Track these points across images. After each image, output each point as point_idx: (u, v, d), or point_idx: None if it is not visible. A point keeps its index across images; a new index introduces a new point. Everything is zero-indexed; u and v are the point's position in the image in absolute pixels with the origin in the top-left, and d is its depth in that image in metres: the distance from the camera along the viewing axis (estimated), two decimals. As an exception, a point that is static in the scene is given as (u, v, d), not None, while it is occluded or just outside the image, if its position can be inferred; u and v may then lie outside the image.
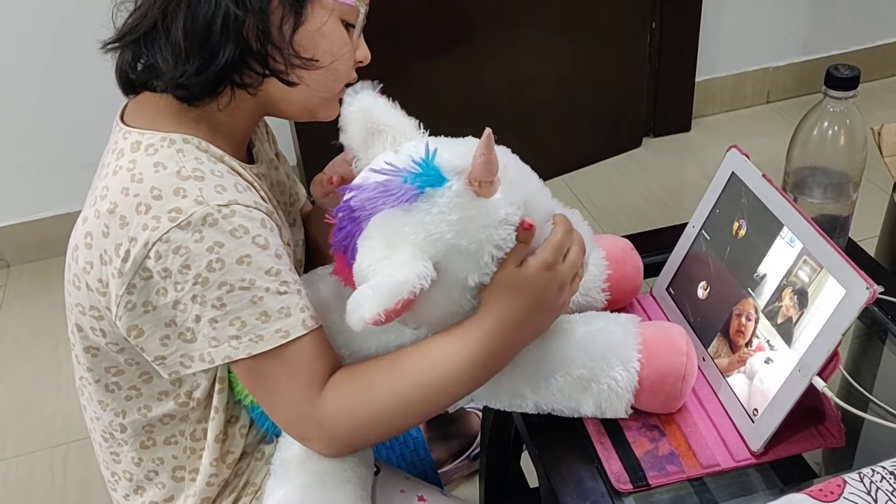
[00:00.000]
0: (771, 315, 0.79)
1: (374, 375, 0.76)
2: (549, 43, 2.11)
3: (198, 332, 0.74)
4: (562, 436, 0.81)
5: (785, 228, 0.80)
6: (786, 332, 0.77)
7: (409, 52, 1.91)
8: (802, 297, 0.76)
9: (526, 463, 1.13)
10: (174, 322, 0.74)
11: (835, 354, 0.73)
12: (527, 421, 0.82)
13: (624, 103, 2.34)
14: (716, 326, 0.85)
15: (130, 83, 0.82)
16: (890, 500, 0.64)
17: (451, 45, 2.01)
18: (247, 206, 0.74)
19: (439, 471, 1.34)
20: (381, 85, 0.79)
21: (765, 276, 0.81)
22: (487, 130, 0.67)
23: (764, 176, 0.84)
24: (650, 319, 0.93)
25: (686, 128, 2.46)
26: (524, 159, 0.76)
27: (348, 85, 0.82)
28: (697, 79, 2.41)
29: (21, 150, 2.03)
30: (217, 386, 0.82)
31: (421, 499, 0.91)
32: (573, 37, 2.15)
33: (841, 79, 0.90)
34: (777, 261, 0.80)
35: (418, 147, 0.72)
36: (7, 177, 2.06)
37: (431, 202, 0.68)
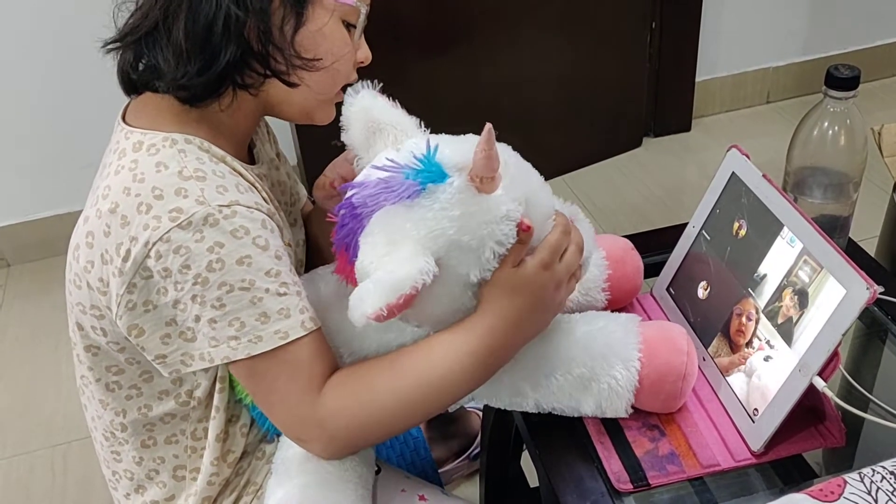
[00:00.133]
0: (771, 315, 0.79)
1: (375, 375, 0.76)
2: (550, 43, 2.11)
3: (197, 332, 0.74)
4: (562, 435, 0.81)
5: (785, 228, 0.80)
6: (786, 332, 0.77)
7: (409, 52, 1.91)
8: (803, 297, 0.76)
9: (526, 463, 1.13)
10: (174, 321, 0.74)
11: (835, 354, 0.73)
12: (527, 420, 0.83)
13: (624, 103, 2.34)
14: (716, 326, 0.85)
15: (132, 83, 0.82)
16: (890, 500, 0.64)
17: (451, 45, 2.01)
18: (248, 207, 0.74)
19: (440, 470, 1.34)
20: (382, 84, 0.79)
21: (765, 276, 0.81)
22: (488, 126, 0.67)
23: (764, 176, 0.84)
24: (650, 319, 0.93)
25: (686, 128, 2.46)
26: (524, 159, 0.77)
27: (348, 86, 0.82)
28: (697, 79, 2.41)
29: (21, 150, 2.03)
30: (218, 385, 0.82)
31: (422, 498, 0.91)
32: (573, 37, 2.15)
33: (841, 79, 0.90)
34: (777, 261, 0.80)
35: (419, 144, 0.72)
36: (7, 177, 2.06)
37: (433, 198, 0.69)
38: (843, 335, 0.71)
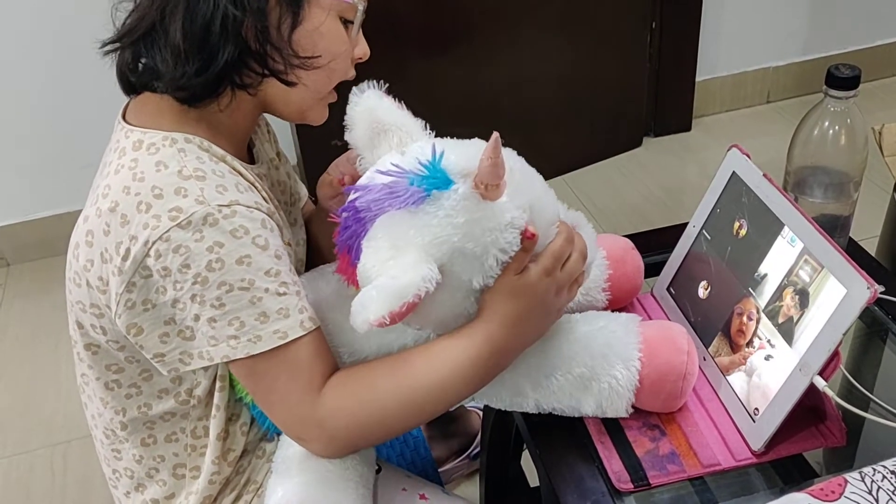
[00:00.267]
0: (772, 315, 0.79)
1: (376, 376, 0.76)
2: (550, 43, 2.11)
3: (197, 331, 0.74)
4: (562, 435, 0.81)
5: (786, 228, 0.80)
6: (787, 331, 0.77)
7: (409, 51, 1.91)
8: (803, 297, 0.76)
9: (527, 462, 1.13)
10: (173, 320, 0.74)
11: (835, 354, 0.73)
12: (527, 420, 0.83)
13: (624, 103, 2.34)
14: (716, 326, 0.85)
15: (131, 84, 0.82)
16: (891, 499, 0.64)
17: (451, 44, 2.01)
18: (248, 207, 0.74)
19: (440, 469, 1.34)
20: (387, 85, 0.79)
21: (766, 275, 0.81)
22: (495, 134, 0.67)
23: (765, 175, 0.84)
24: (651, 319, 0.93)
25: (686, 128, 2.46)
26: (524, 159, 0.76)
27: (347, 83, 0.82)
28: (698, 79, 2.41)
29: (21, 150, 2.03)
30: (218, 384, 0.82)
31: (423, 497, 0.91)
32: (573, 37, 2.14)
33: (842, 78, 0.90)
34: (778, 260, 0.80)
35: (424, 149, 0.72)
36: (7, 177, 2.06)
37: (437, 205, 0.68)
38: (844, 335, 0.71)
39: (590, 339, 0.79)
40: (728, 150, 0.90)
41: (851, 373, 0.83)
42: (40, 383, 1.77)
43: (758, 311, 0.80)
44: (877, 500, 0.64)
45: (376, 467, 0.87)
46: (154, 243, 0.71)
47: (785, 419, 0.74)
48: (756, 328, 0.80)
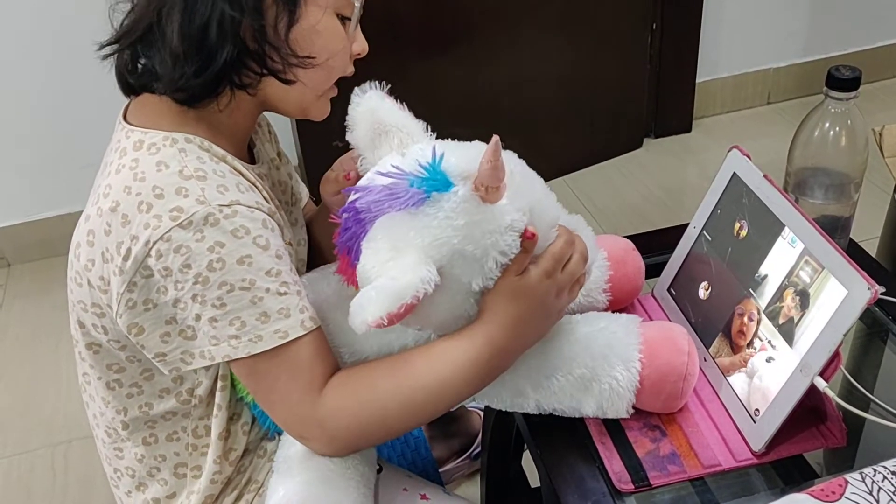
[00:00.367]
0: (772, 315, 0.79)
1: (377, 376, 0.76)
2: (550, 43, 2.11)
3: (198, 331, 0.74)
4: (563, 436, 0.81)
5: (786, 229, 0.80)
6: (787, 332, 0.77)
7: (409, 51, 1.91)
8: (804, 298, 0.76)
9: (527, 463, 1.13)
10: (174, 320, 0.74)
11: (836, 355, 0.73)
12: (528, 421, 0.83)
13: (624, 104, 2.34)
14: (717, 327, 0.85)
15: (130, 86, 0.82)
16: (892, 500, 0.64)
17: (451, 45, 2.01)
18: (249, 207, 0.74)
19: (440, 470, 1.34)
20: (389, 86, 0.79)
21: (766, 276, 0.81)
22: (495, 138, 0.67)
23: (765, 176, 0.84)
24: (652, 320, 0.93)
25: (687, 129, 2.46)
26: (524, 160, 0.76)
27: (349, 83, 0.82)
28: (698, 80, 2.41)
29: (21, 150, 2.03)
30: (219, 383, 0.82)
31: (424, 497, 0.91)
32: (573, 37, 2.14)
33: (842, 80, 0.90)
34: (778, 261, 0.80)
35: (425, 150, 0.72)
36: (7, 177, 2.06)
37: (437, 207, 0.68)
38: (845, 335, 0.71)
39: (590, 340, 0.79)
40: (729, 151, 0.90)
41: (852, 373, 0.83)
42: (41, 383, 1.77)
43: (758, 312, 0.81)
44: (877, 501, 0.64)
45: (377, 467, 0.87)
46: (155, 243, 0.71)
47: (785, 420, 0.74)
48: (757, 329, 0.80)
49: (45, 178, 2.08)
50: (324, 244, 1.00)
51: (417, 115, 0.79)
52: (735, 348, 0.82)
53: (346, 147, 0.83)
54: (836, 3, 2.44)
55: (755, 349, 0.80)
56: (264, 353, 0.73)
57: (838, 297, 0.72)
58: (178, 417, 0.84)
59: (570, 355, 0.78)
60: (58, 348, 1.84)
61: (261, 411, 0.83)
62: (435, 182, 0.69)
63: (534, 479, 1.17)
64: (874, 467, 0.67)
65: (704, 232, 0.91)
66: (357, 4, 0.81)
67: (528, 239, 0.71)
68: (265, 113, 0.92)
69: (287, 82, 0.79)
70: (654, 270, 0.97)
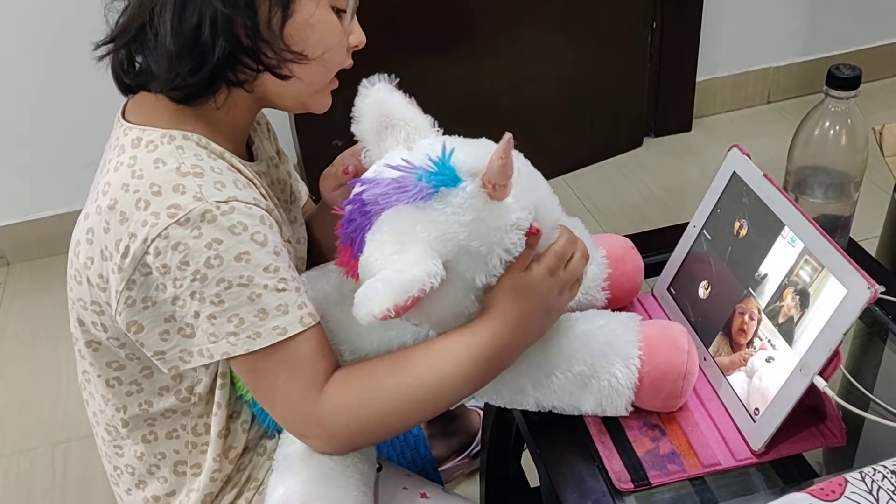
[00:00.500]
0: (772, 315, 0.79)
1: (378, 374, 0.76)
2: (550, 43, 2.11)
3: (196, 328, 0.74)
4: (563, 434, 0.81)
5: (786, 228, 0.80)
6: (787, 331, 0.77)
7: (409, 51, 1.91)
8: (804, 297, 0.76)
9: (527, 463, 1.13)
10: (173, 317, 0.74)
11: (836, 354, 0.73)
12: (528, 419, 0.83)
13: (624, 103, 2.34)
14: (717, 326, 0.85)
15: (126, 85, 0.81)
16: (892, 499, 0.64)
17: (451, 44, 2.01)
18: (246, 203, 0.74)
19: (440, 469, 1.34)
20: (398, 79, 0.79)
21: (766, 275, 0.81)
22: (508, 135, 0.68)
23: (765, 176, 0.84)
24: (651, 319, 0.93)
25: (687, 128, 2.46)
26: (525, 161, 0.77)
27: (353, 76, 0.82)
28: (698, 79, 2.41)
29: (21, 149, 2.03)
30: (219, 381, 0.82)
31: (424, 496, 0.91)
32: (574, 37, 2.14)
33: (842, 79, 0.90)
34: (778, 260, 0.80)
35: (434, 145, 0.72)
36: (7, 176, 2.06)
37: (445, 202, 0.69)
38: (844, 335, 0.71)
39: (590, 338, 0.79)
40: (728, 151, 0.90)
41: (851, 373, 0.83)
42: (40, 382, 1.77)
43: (758, 312, 0.80)
44: (877, 500, 0.64)
45: (377, 465, 0.87)
46: (153, 241, 0.71)
47: (785, 419, 0.74)
48: (757, 328, 0.80)
49: (45, 177, 2.08)
50: (323, 242, 1.00)
51: (418, 115, 0.79)
52: (735, 347, 0.82)
53: (346, 146, 0.83)
54: (836, 2, 2.44)
55: (755, 348, 0.80)
56: (263, 350, 0.73)
57: (838, 296, 0.72)
58: (178, 415, 0.84)
59: (570, 352, 0.78)
60: (57, 347, 1.84)
61: (260, 409, 0.83)
62: (444, 177, 0.69)
63: (533, 479, 1.17)
64: (874, 466, 0.67)
65: (704, 231, 0.91)
66: None
67: (532, 235, 0.72)
68: (264, 111, 0.92)
69: (283, 77, 0.78)
70: (653, 269, 0.97)
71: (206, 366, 0.79)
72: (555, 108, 2.21)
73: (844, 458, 0.80)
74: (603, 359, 0.77)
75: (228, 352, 0.73)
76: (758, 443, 0.76)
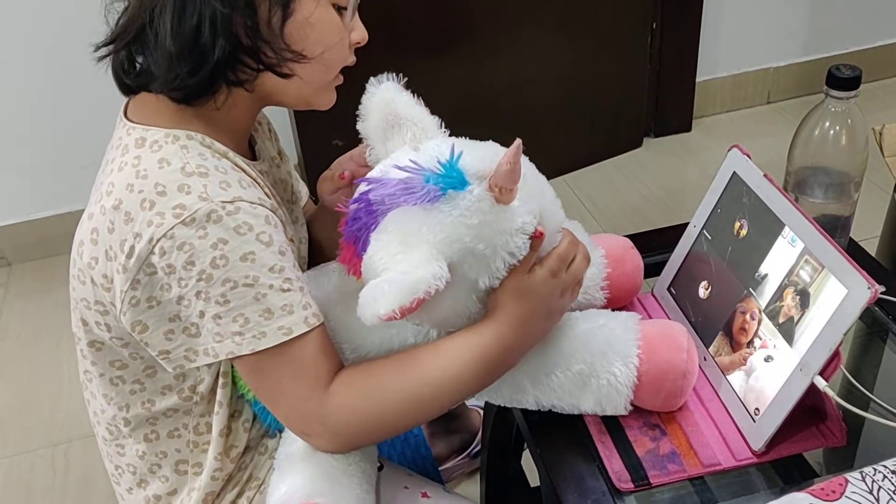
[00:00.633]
0: (772, 315, 0.79)
1: (384, 373, 0.77)
2: (550, 43, 2.11)
3: (202, 328, 0.74)
4: (563, 434, 0.81)
5: (786, 228, 0.80)
6: (787, 331, 0.77)
7: (409, 51, 1.91)
8: (804, 297, 0.76)
9: (527, 463, 1.13)
10: (178, 317, 0.74)
11: (836, 354, 0.73)
12: (528, 419, 0.83)
13: (624, 103, 2.34)
14: (717, 326, 0.85)
15: (127, 86, 0.81)
16: (892, 499, 0.64)
17: (451, 44, 2.01)
18: (251, 203, 0.74)
19: (440, 468, 1.34)
20: (406, 79, 0.79)
21: (766, 275, 0.81)
22: (518, 141, 0.68)
23: (765, 176, 0.84)
24: (652, 318, 0.93)
25: (687, 128, 2.46)
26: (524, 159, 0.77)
27: (358, 78, 0.82)
28: (698, 79, 2.41)
29: (21, 149, 2.03)
30: (221, 380, 0.82)
31: (425, 495, 0.91)
32: (574, 37, 2.14)
33: (842, 79, 0.90)
34: (778, 260, 0.80)
35: (441, 147, 0.72)
36: (7, 176, 2.06)
37: (453, 204, 0.69)
38: (845, 335, 0.71)
39: (589, 337, 0.79)
40: (729, 151, 0.90)
41: (852, 373, 0.83)
42: (41, 382, 1.77)
43: (759, 311, 0.81)
44: (878, 500, 0.64)
45: (378, 464, 0.88)
46: (158, 241, 0.71)
47: (785, 419, 0.74)
48: (757, 328, 0.80)
49: (46, 177, 2.08)
50: (324, 243, 1.00)
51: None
52: (735, 346, 0.82)
53: (347, 145, 0.83)
54: (836, 2, 2.44)
55: (755, 348, 0.80)
56: (268, 350, 0.73)
57: (838, 296, 0.72)
58: (180, 414, 0.85)
59: (570, 351, 0.78)
60: (59, 347, 1.84)
61: (262, 408, 0.84)
62: (451, 180, 0.69)
63: (533, 479, 1.17)
64: (874, 466, 0.67)
65: (704, 231, 0.91)
66: None
67: (536, 238, 0.73)
68: (265, 112, 0.92)
69: (284, 76, 0.78)
70: (654, 269, 0.97)
71: (209, 365, 0.80)
72: (555, 108, 2.21)
73: (845, 458, 0.81)
74: (602, 358, 0.78)
75: (234, 351, 0.74)
76: (758, 443, 0.76)
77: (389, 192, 0.70)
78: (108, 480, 0.93)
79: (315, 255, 1.00)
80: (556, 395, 0.79)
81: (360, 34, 0.83)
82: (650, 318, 0.93)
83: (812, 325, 0.74)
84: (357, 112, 0.81)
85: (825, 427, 0.79)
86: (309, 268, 0.92)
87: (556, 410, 0.80)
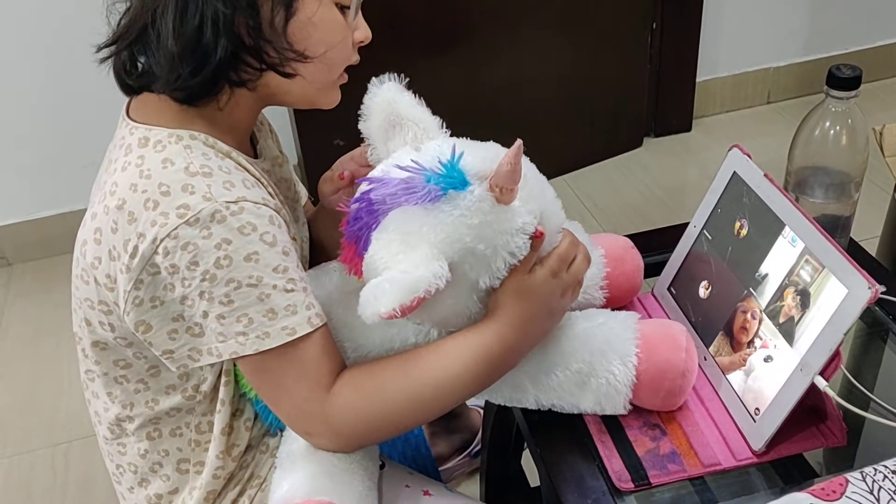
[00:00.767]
0: (773, 314, 0.79)
1: (386, 373, 0.77)
2: (550, 43, 2.11)
3: (206, 328, 0.74)
4: (563, 434, 0.81)
5: (787, 228, 0.80)
6: (787, 331, 0.77)
7: (409, 51, 1.91)
8: (804, 297, 0.76)
9: (527, 463, 1.13)
10: (182, 317, 0.75)
11: (836, 354, 0.73)
12: (528, 419, 0.83)
13: (624, 103, 2.34)
14: (717, 326, 0.85)
15: (129, 87, 0.81)
16: (892, 499, 0.64)
17: (452, 44, 2.01)
18: (255, 203, 0.74)
19: (440, 468, 1.34)
20: (407, 79, 0.79)
21: (767, 275, 0.81)
22: (519, 142, 0.69)
23: (766, 175, 0.84)
24: (652, 318, 0.93)
25: (687, 128, 2.46)
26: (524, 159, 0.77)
27: (360, 80, 0.82)
28: (698, 79, 2.41)
29: (21, 149, 2.03)
30: (223, 379, 0.82)
31: (426, 493, 0.91)
32: (574, 37, 2.15)
33: (843, 79, 0.90)
34: (779, 260, 0.80)
35: (443, 147, 0.72)
36: (7, 176, 2.06)
37: (454, 204, 0.69)
38: (845, 335, 0.71)
39: (588, 336, 0.79)
40: (729, 150, 0.90)
41: (852, 373, 0.83)
42: (42, 383, 1.77)
43: (759, 311, 0.81)
44: (878, 500, 0.64)
45: (380, 463, 0.88)
46: (162, 241, 0.71)
47: (786, 419, 0.74)
48: (758, 328, 0.80)
49: (46, 176, 2.08)
50: (325, 243, 1.00)
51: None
52: (736, 346, 0.82)
53: (348, 145, 0.83)
54: (836, 2, 2.44)
55: (755, 348, 0.80)
56: (272, 350, 0.73)
57: (839, 296, 0.72)
58: (182, 413, 0.85)
59: (569, 351, 0.79)
60: (59, 348, 1.84)
61: (263, 407, 0.84)
62: (452, 180, 0.69)
63: (533, 479, 1.17)
64: (875, 466, 0.67)
65: (705, 231, 0.91)
66: None
67: (536, 238, 0.73)
68: (265, 112, 0.92)
69: (287, 76, 0.78)
70: (654, 269, 0.97)
71: (212, 364, 0.80)
72: (555, 108, 2.21)
73: (845, 458, 0.81)
74: (601, 357, 0.78)
75: (237, 351, 0.74)
76: (758, 442, 0.76)
77: (391, 192, 0.71)
78: (108, 480, 0.93)
79: (315, 254, 1.00)
80: (555, 394, 0.79)
81: (363, 33, 0.83)
82: (650, 317, 0.93)
83: (812, 325, 0.74)
84: (357, 112, 0.82)
85: (825, 427, 0.79)
86: (309, 267, 0.92)
87: (555, 410, 0.81)
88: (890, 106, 2.42)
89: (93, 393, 0.88)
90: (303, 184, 1.05)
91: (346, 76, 0.84)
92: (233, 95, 0.79)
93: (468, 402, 1.41)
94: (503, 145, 0.73)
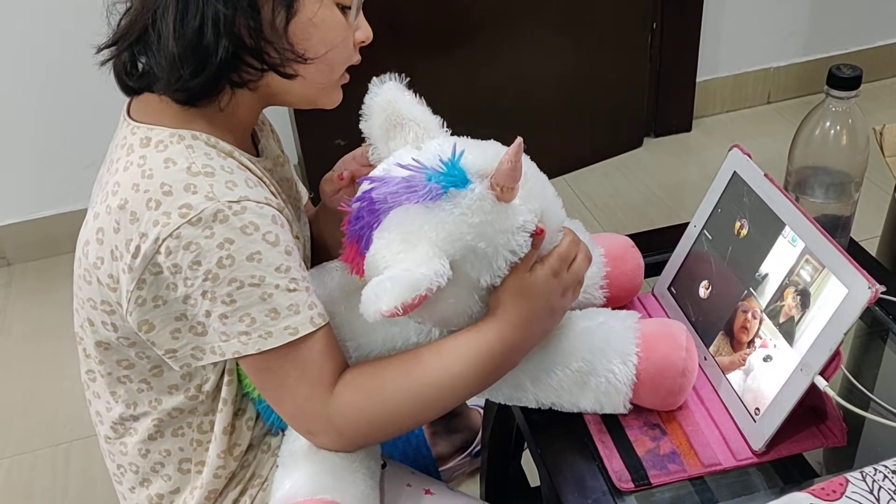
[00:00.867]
0: (773, 314, 0.79)
1: (388, 372, 0.77)
2: (550, 43, 2.11)
3: (208, 327, 0.74)
4: (563, 434, 0.81)
5: (787, 228, 0.80)
6: (787, 331, 0.77)
7: (410, 51, 1.91)
8: (804, 297, 0.76)
9: (527, 463, 1.13)
10: (185, 316, 0.75)
11: (836, 354, 0.73)
12: (528, 418, 0.83)
13: (625, 103, 2.34)
14: (718, 325, 0.85)
15: (129, 87, 0.81)
16: (892, 499, 0.64)
17: (452, 44, 2.01)
18: (258, 203, 0.74)
19: (441, 468, 1.34)
20: (408, 79, 0.79)
21: (767, 275, 0.81)
22: (519, 139, 0.69)
23: (766, 175, 0.84)
24: (652, 318, 0.93)
25: (687, 128, 2.46)
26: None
27: (361, 81, 0.82)
28: (698, 79, 2.41)
29: (21, 149, 2.03)
30: (226, 378, 0.82)
31: (428, 493, 0.91)
32: (574, 37, 2.15)
33: (843, 78, 0.90)
34: (779, 260, 0.80)
35: (444, 146, 0.73)
36: (8, 176, 2.06)
37: (454, 203, 0.69)
38: (845, 334, 0.71)
39: (588, 335, 0.80)
40: (729, 150, 0.90)
41: (852, 373, 0.84)
42: (43, 383, 1.77)
43: (759, 311, 0.81)
44: (878, 500, 0.64)
45: (382, 462, 0.88)
46: (164, 240, 0.71)
47: (786, 419, 0.74)
48: (758, 328, 0.80)
49: (46, 177, 2.08)
50: (326, 243, 1.00)
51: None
52: (736, 345, 0.82)
53: (349, 145, 0.83)
54: (836, 2, 2.44)
55: (755, 348, 0.80)
56: (274, 349, 0.74)
57: (839, 296, 0.72)
58: (185, 413, 0.85)
59: (569, 349, 0.79)
60: (60, 347, 1.84)
61: (265, 406, 0.84)
62: (453, 178, 0.70)
63: (533, 479, 1.17)
64: (875, 466, 0.67)
65: (705, 231, 0.91)
66: None
67: (536, 236, 0.73)
68: (265, 112, 0.92)
69: (288, 76, 0.78)
70: (654, 269, 0.97)
71: (214, 363, 0.80)
72: (555, 108, 2.21)
73: (845, 458, 0.81)
74: (601, 355, 0.78)
75: (240, 351, 0.74)
76: (758, 442, 0.76)
77: (392, 191, 0.71)
78: (109, 480, 0.93)
79: (316, 254, 1.00)
80: (555, 393, 0.79)
81: (364, 33, 0.83)
82: (650, 317, 0.93)
83: (812, 325, 0.74)
84: (358, 112, 0.82)
85: (825, 427, 0.79)
86: (311, 267, 0.92)
87: (555, 408, 0.81)
88: (890, 106, 2.42)
89: (94, 393, 0.88)
90: (304, 184, 1.06)
91: (347, 76, 0.84)
92: (234, 96, 0.79)
93: (468, 402, 1.41)
94: (504, 144, 0.73)
